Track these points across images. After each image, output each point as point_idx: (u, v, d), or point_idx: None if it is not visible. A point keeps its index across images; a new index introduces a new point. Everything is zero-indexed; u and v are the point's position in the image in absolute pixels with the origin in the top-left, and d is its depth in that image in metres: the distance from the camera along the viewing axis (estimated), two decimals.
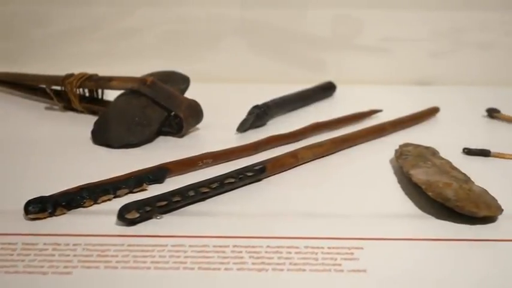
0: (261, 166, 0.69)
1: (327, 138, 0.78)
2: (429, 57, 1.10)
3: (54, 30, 1.10)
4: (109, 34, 1.10)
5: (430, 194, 0.63)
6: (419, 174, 0.67)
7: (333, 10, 1.09)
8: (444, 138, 0.83)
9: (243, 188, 0.68)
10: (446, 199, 0.62)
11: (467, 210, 0.61)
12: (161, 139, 0.81)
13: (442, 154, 0.75)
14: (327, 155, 0.77)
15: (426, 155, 0.72)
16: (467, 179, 0.66)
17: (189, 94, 0.84)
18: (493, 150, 0.77)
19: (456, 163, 0.72)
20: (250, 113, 0.84)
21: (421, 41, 1.10)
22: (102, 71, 0.88)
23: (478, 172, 0.72)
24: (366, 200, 0.67)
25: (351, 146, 0.79)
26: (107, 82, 0.84)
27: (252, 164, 0.69)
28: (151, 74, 0.86)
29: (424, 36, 1.10)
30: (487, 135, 0.85)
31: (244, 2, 1.08)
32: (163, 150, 0.77)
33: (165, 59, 1.07)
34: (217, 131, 0.83)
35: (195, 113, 0.81)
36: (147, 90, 0.80)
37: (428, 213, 0.64)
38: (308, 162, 0.75)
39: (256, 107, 0.85)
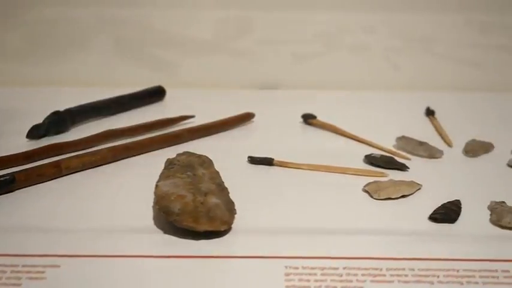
0: (7, 177, 0.66)
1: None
2: (291, 60, 1.07)
3: None
4: None
5: (157, 206, 0.61)
6: (164, 186, 0.64)
7: (206, 11, 1.06)
8: (248, 145, 0.80)
9: None
10: (169, 212, 0.59)
11: (185, 225, 0.58)
12: None
13: (234, 163, 0.73)
14: (105, 164, 0.74)
15: (194, 164, 0.69)
16: (212, 192, 0.63)
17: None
18: (293, 158, 0.74)
19: (236, 173, 0.70)
20: (46, 119, 0.81)
21: (289, 43, 1.07)
22: None
23: (251, 181, 0.70)
24: (112, 213, 0.64)
25: (139, 154, 0.76)
26: None
27: None
28: None
29: (297, 38, 1.07)
30: (292, 142, 0.82)
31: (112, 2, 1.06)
32: None
33: (24, 61, 1.05)
34: (13, 137, 0.81)
35: None
36: None
37: (161, 228, 0.61)
38: (81, 171, 0.72)
39: (55, 112, 0.82)
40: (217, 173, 0.69)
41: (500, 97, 0.99)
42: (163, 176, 0.66)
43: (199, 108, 0.89)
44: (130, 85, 0.95)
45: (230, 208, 0.62)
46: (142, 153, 0.77)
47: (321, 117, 0.87)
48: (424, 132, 0.84)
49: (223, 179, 0.68)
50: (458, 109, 0.94)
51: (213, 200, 0.61)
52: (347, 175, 0.72)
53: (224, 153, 0.77)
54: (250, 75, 1.06)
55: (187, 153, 0.72)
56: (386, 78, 1.07)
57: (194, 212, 0.59)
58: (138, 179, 0.71)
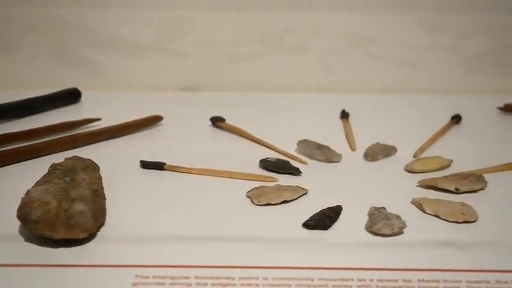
0: None
1: None
2: (225, 62, 1.05)
3: None
4: None
5: (17, 213, 0.59)
6: (34, 192, 0.62)
7: (143, 11, 1.04)
8: (150, 148, 0.79)
9: None
10: (27, 220, 0.58)
11: (40, 232, 0.57)
12: None
13: (127, 167, 0.73)
14: None
15: (77, 169, 0.67)
16: (82, 198, 0.61)
17: None
18: (194, 162, 0.73)
19: (125, 178, 0.70)
20: None
21: (224, 44, 1.05)
22: None
23: (139, 187, 0.68)
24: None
25: (31, 158, 0.75)
26: None
27: None
28: None
29: (234, 39, 1.05)
30: (196, 146, 0.80)
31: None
32: None
33: None
34: None
35: None
36: None
37: (23, 235, 0.59)
38: None
39: None
40: (99, 178, 0.67)
41: (430, 99, 0.98)
42: (41, 181, 0.65)
43: (114, 111, 0.88)
44: (56, 87, 0.94)
45: (97, 215, 0.60)
46: (35, 158, 0.75)
47: (234, 120, 0.85)
48: (333, 135, 0.82)
49: (110, 184, 0.66)
50: (379, 112, 0.92)
51: (79, 207, 0.59)
52: (237, 180, 0.70)
53: (121, 157, 0.76)
54: (179, 77, 1.04)
55: (74, 158, 0.70)
56: (317, 81, 1.05)
57: (53, 219, 0.58)
58: (23, 184, 0.69)
